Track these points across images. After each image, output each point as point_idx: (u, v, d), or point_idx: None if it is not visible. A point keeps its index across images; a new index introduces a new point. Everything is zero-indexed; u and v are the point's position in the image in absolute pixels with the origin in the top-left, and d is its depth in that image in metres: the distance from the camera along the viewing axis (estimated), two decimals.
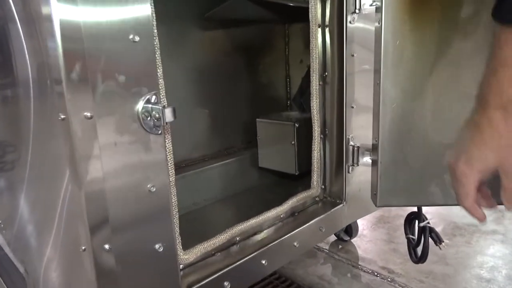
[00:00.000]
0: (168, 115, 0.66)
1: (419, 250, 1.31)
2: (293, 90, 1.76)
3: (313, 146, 1.18)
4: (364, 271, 1.72)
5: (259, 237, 1.02)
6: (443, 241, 1.32)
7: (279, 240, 1.00)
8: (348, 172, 1.19)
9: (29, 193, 0.85)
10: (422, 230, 1.31)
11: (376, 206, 1.12)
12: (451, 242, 1.85)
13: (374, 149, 1.11)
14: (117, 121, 0.64)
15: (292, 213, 1.15)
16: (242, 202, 1.44)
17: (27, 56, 0.67)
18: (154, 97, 0.68)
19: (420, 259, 1.37)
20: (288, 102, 1.78)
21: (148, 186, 0.70)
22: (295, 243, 1.04)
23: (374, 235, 1.93)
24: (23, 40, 0.66)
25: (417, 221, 1.29)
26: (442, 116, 1.04)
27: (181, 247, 0.84)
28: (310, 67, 1.60)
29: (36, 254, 0.89)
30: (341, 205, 1.19)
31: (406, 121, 1.04)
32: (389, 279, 1.67)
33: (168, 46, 1.33)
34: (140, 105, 0.66)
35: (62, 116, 0.60)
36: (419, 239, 1.34)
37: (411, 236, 1.41)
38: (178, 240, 0.82)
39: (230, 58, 1.53)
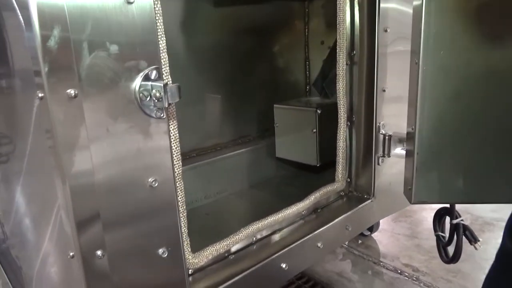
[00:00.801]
0: (172, 94, 0.54)
1: (450, 249, 1.20)
2: (313, 74, 1.62)
3: (338, 135, 1.05)
4: (387, 269, 1.61)
5: (278, 237, 0.90)
6: (478, 240, 1.19)
7: (301, 240, 0.88)
8: (378, 164, 1.06)
9: (24, 187, 0.75)
10: (455, 227, 1.19)
11: (410, 202, 0.99)
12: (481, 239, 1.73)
13: (409, 138, 0.97)
14: (109, 101, 0.52)
15: (315, 209, 1.02)
16: (257, 195, 1.32)
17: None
18: (154, 72, 0.55)
19: (452, 259, 1.24)
20: (308, 87, 1.64)
21: (149, 180, 0.58)
22: (319, 244, 0.92)
23: (395, 230, 1.81)
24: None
25: (449, 218, 1.15)
26: (492, 104, 0.90)
27: (189, 249, 0.72)
28: (332, 48, 1.48)
29: (31, 252, 0.79)
30: (369, 201, 1.06)
31: (449, 108, 0.90)
32: (414, 278, 1.55)
33: (176, 24, 1.20)
34: (137, 82, 0.54)
35: (40, 95, 0.48)
36: (451, 237, 1.21)
37: (441, 233, 1.28)
38: (186, 242, 0.71)
39: (244, 38, 1.40)
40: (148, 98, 0.55)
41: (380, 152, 1.05)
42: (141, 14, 0.53)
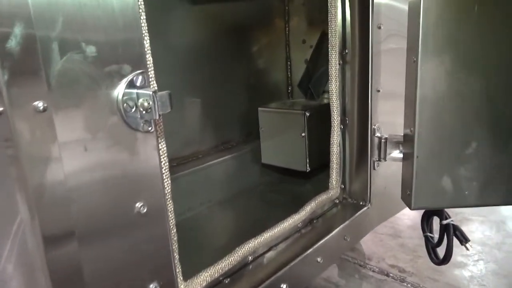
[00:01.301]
0: (163, 103, 0.45)
1: (439, 249, 1.17)
2: (294, 74, 1.56)
3: (331, 139, 0.99)
4: (373, 271, 1.58)
5: (275, 254, 0.83)
6: (469, 240, 1.16)
7: (300, 257, 0.81)
8: (374, 168, 1.00)
9: None
10: (445, 228, 1.15)
11: (410, 208, 0.94)
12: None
13: (407, 140, 0.92)
14: (86, 114, 0.43)
15: (310, 220, 0.96)
16: (244, 205, 1.24)
17: None
18: (140, 78, 0.46)
19: (443, 260, 1.21)
20: (290, 88, 1.57)
21: (137, 205, 0.49)
22: (319, 259, 0.85)
23: (378, 229, 1.80)
24: None
25: (438, 219, 1.12)
26: (496, 103, 0.86)
27: (181, 278, 0.63)
28: (315, 47, 1.42)
29: None
30: (365, 208, 1.01)
31: (450, 108, 0.85)
32: (401, 279, 1.53)
33: (149, 22, 1.10)
34: (120, 90, 0.45)
35: (0, 109, 0.38)
36: (441, 238, 1.18)
37: (429, 234, 1.25)
38: (178, 269, 0.62)
39: (222, 38, 1.31)
40: (133, 109, 0.45)
41: (376, 156, 1.00)
42: (123, 8, 0.44)
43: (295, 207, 1.19)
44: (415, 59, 0.84)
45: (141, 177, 0.49)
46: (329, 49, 0.93)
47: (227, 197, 1.28)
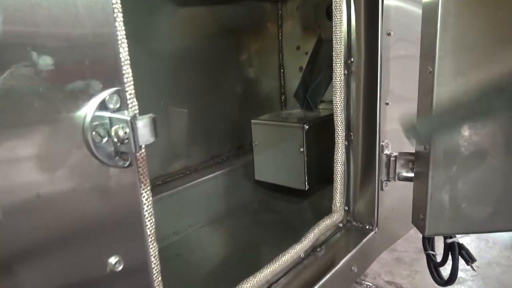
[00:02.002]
0: (145, 132, 0.34)
1: (442, 269, 1.09)
2: (288, 82, 1.46)
3: (336, 156, 0.89)
4: None
5: None
6: (475, 260, 1.08)
7: None
8: (382, 189, 0.91)
9: None
10: (449, 247, 1.07)
11: (424, 234, 0.85)
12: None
13: (420, 158, 0.83)
14: (40, 149, 0.31)
15: (313, 248, 0.85)
16: (237, 226, 1.13)
17: None
18: (115, 98, 0.35)
19: (448, 282, 1.12)
20: (283, 97, 1.47)
21: (111, 261, 0.38)
22: None
23: None
24: None
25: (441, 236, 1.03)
26: None
27: None
28: (312, 54, 1.32)
29: None
30: (372, 233, 0.91)
31: (471, 123, 0.77)
32: None
33: (131, 25, 0.99)
34: (87, 114, 0.34)
35: None
36: (445, 258, 1.09)
37: (431, 252, 1.16)
38: None
39: (211, 44, 1.20)
40: (105, 139, 0.34)
41: (384, 176, 0.90)
42: (91, 5, 0.33)
43: (292, 229, 1.09)
44: (430, 69, 0.75)
45: (116, 225, 0.38)
46: (333, 57, 0.83)
47: (217, 218, 1.16)
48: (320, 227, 0.84)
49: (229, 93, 1.30)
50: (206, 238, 1.08)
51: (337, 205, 0.91)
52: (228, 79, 1.30)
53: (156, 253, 0.49)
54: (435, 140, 0.77)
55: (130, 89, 0.42)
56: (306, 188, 1.07)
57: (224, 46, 1.26)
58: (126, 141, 0.33)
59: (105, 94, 0.34)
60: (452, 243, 0.99)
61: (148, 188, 0.47)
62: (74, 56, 0.32)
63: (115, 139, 0.34)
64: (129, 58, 0.42)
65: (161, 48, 1.07)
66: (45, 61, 0.31)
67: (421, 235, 1.02)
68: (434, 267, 1.18)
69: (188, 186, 1.09)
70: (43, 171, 0.32)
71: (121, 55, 0.39)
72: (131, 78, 0.42)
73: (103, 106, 0.34)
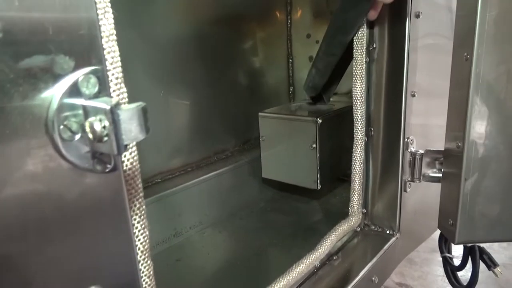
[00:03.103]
0: (131, 127, 0.25)
1: (461, 273, 1.01)
2: (297, 73, 1.37)
3: (354, 154, 0.80)
4: None
5: None
6: (497, 265, 0.99)
7: None
8: (405, 190, 0.81)
9: None
10: (469, 251, 0.98)
11: (454, 242, 0.76)
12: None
13: (451, 157, 0.74)
14: None
15: (329, 257, 0.76)
16: (242, 227, 1.04)
17: None
18: (92, 81, 0.26)
19: (467, 287, 1.04)
20: (291, 89, 1.38)
21: None
22: None
23: None
24: None
25: None
26: None
27: None
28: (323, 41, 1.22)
29: None
30: (394, 238, 0.82)
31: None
32: None
33: (130, 10, 0.89)
34: (53, 102, 0.25)
35: None
36: (464, 262, 1.01)
37: (448, 255, 1.08)
38: None
39: (215, 31, 1.11)
40: (78, 135, 0.25)
41: (408, 175, 0.81)
42: None
43: (303, 231, 1.00)
44: (467, 55, 0.66)
45: (95, 246, 0.29)
46: (354, 43, 0.74)
47: (221, 218, 1.08)
48: (337, 233, 0.75)
49: (234, 84, 1.21)
50: (209, 240, 0.99)
51: (355, 207, 0.82)
52: (233, 69, 1.20)
53: (151, 272, 0.41)
54: (471, 137, 0.68)
55: (115, 71, 0.32)
56: (318, 188, 0.98)
57: (228, 33, 1.16)
58: (106, 138, 0.24)
59: (77, 75, 0.25)
60: (473, 246, 0.91)
61: (140, 195, 0.38)
62: (32, 20, 0.23)
63: (91, 136, 0.24)
64: (115, 32, 0.32)
65: (160, 35, 0.97)
66: None
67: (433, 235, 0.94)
68: (451, 270, 1.10)
69: (190, 184, 1.00)
70: None
71: (103, 26, 0.30)
72: (118, 58, 0.33)
73: (74, 90, 0.25)
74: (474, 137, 0.68)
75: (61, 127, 0.25)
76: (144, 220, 0.40)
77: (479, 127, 0.68)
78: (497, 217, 0.72)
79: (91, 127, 0.24)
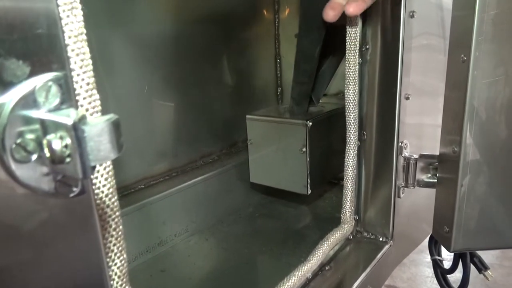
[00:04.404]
0: (99, 144, 0.21)
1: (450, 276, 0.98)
2: (285, 73, 1.33)
3: (347, 159, 0.77)
4: None
5: None
6: (488, 268, 0.99)
7: None
8: (399, 196, 0.79)
9: None
10: (460, 254, 0.98)
11: (449, 250, 0.73)
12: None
13: (447, 162, 0.71)
14: None
15: (321, 267, 0.73)
16: (229, 235, 1.00)
17: None
18: (53, 89, 0.22)
19: None
20: (279, 90, 1.34)
21: None
22: None
23: None
24: None
25: None
26: None
27: None
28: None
29: None
30: (387, 246, 0.79)
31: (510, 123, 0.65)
32: None
33: (110, 7, 0.84)
34: (2, 115, 0.20)
35: None
36: (455, 265, 1.00)
37: (438, 257, 1.07)
38: None
39: (200, 30, 1.06)
40: (35, 155, 0.21)
41: (402, 181, 0.78)
42: None
43: (292, 236, 0.97)
44: (464, 57, 0.63)
45: (64, 283, 0.25)
46: (347, 43, 0.70)
47: (208, 225, 1.03)
48: (329, 242, 0.72)
49: (220, 84, 1.17)
50: (195, 249, 0.95)
51: (347, 214, 0.79)
52: (219, 69, 1.16)
53: None
54: (467, 141, 0.65)
55: (85, 75, 0.28)
56: (309, 193, 0.95)
57: (214, 32, 1.12)
58: (68, 159, 0.20)
59: (34, 83, 0.21)
60: None
61: (117, 214, 0.33)
62: None
63: (49, 155, 0.20)
64: (84, 31, 0.28)
65: (142, 34, 0.93)
66: None
67: None
68: (441, 273, 1.09)
69: (175, 190, 0.96)
70: None
71: (70, 25, 0.26)
72: (89, 61, 0.29)
73: (30, 101, 0.21)
74: (472, 142, 0.65)
75: (13, 146, 0.21)
76: (122, 242, 0.35)
77: (476, 132, 0.65)
78: (494, 224, 0.70)
79: (49, 146, 0.20)
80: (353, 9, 0.62)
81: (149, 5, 0.92)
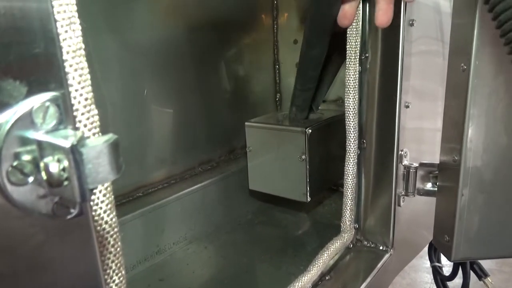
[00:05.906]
0: (98, 167, 0.20)
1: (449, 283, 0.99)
2: (284, 79, 1.33)
3: (347, 167, 0.76)
4: None
5: None
6: (488, 275, 0.99)
7: None
8: (399, 204, 0.78)
9: None
10: (460, 262, 0.98)
11: (450, 260, 0.73)
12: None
13: (447, 171, 0.71)
14: None
15: (321, 276, 0.72)
16: (229, 243, 0.99)
17: None
18: (51, 109, 0.21)
19: None
20: (278, 96, 1.34)
21: None
22: None
23: None
24: None
25: None
26: None
27: None
28: None
29: None
30: (388, 255, 0.79)
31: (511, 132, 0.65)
32: None
33: (107, 14, 0.84)
34: None
35: None
36: (454, 272, 1.00)
37: (437, 264, 1.07)
38: None
39: (199, 36, 1.06)
40: (32, 178, 0.20)
41: (402, 189, 0.78)
42: None
43: (292, 244, 0.96)
44: (464, 66, 0.63)
45: None
46: (348, 51, 0.70)
47: (207, 233, 1.03)
48: (329, 251, 0.72)
49: (219, 91, 1.16)
50: (194, 257, 0.94)
51: (347, 223, 0.78)
52: (217, 75, 1.16)
53: None
54: (468, 150, 0.65)
55: (84, 91, 0.28)
56: (308, 201, 0.94)
57: (213, 38, 1.11)
58: (66, 183, 0.20)
59: (31, 103, 0.20)
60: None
61: (115, 230, 0.33)
62: None
63: (46, 179, 0.20)
64: (83, 46, 0.28)
65: (141, 40, 0.92)
66: None
67: None
68: (441, 280, 1.09)
69: (173, 198, 0.95)
70: None
71: (68, 40, 0.25)
72: (87, 76, 0.28)
73: (27, 123, 0.20)
74: (472, 151, 0.65)
75: (10, 168, 0.20)
76: (120, 258, 0.35)
77: (477, 140, 0.65)
78: (495, 233, 0.69)
79: (47, 169, 0.19)
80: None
81: (146, 12, 0.92)
